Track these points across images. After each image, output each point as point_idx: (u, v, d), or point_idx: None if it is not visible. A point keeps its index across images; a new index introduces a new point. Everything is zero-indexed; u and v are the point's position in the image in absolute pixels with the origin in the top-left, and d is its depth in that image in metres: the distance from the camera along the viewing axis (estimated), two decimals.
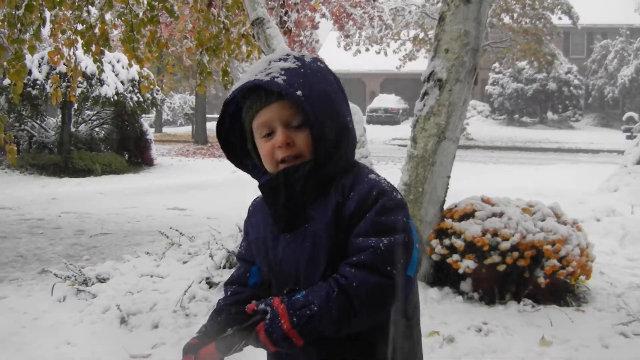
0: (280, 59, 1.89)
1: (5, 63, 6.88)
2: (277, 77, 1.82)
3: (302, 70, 1.86)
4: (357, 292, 1.74)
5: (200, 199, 13.93)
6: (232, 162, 2.06)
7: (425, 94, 5.59)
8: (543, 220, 5.66)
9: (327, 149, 1.85)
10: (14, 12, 6.71)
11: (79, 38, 8.06)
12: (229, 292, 2.10)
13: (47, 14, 7.70)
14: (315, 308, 1.75)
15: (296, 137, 1.87)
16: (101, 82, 17.78)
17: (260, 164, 1.98)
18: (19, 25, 6.78)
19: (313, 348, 1.85)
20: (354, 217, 1.82)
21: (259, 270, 2.07)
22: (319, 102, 1.84)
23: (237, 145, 2.03)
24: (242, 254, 2.15)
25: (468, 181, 12.47)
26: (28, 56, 8.55)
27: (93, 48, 7.99)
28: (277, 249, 1.95)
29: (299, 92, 1.81)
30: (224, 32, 8.27)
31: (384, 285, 1.75)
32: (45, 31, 8.35)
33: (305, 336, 1.76)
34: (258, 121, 1.91)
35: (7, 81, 14.00)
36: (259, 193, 2.02)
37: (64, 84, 15.78)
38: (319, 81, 1.88)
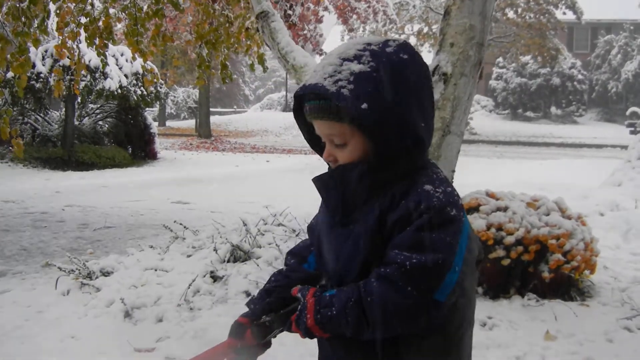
0: (354, 58, 1.78)
1: (9, 56, 6.87)
2: (344, 88, 1.72)
3: (374, 74, 1.74)
4: (371, 306, 1.71)
5: (203, 193, 13.92)
6: (307, 141, 2.01)
7: None
8: (547, 214, 5.65)
9: (389, 157, 1.78)
10: (18, 5, 6.70)
11: (82, 31, 8.05)
12: (283, 269, 2.08)
13: (52, 6, 7.70)
14: (335, 312, 1.74)
15: (338, 153, 1.85)
16: (105, 76, 17.78)
17: None
18: (23, 18, 6.78)
19: (340, 346, 1.88)
20: (396, 227, 1.75)
21: None
22: (386, 114, 1.74)
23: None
24: (313, 225, 2.10)
25: (472, 176, 12.46)
26: (32, 49, 8.55)
27: (97, 41, 7.98)
28: (326, 242, 1.94)
29: (364, 106, 1.71)
30: (227, 25, 8.26)
31: (400, 305, 1.70)
32: (50, 24, 8.35)
33: (328, 332, 1.78)
34: (315, 127, 1.89)
35: (10, 74, 14.07)
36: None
37: (68, 77, 15.79)
38: (394, 87, 1.76)
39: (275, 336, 1.87)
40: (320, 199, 2.05)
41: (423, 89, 1.83)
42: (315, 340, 1.93)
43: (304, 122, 1.94)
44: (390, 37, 1.84)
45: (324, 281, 1.92)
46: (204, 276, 5.80)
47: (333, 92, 1.73)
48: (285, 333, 1.91)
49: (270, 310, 1.92)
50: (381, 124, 1.73)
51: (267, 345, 1.94)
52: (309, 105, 1.83)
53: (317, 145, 1.98)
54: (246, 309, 2.04)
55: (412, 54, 1.82)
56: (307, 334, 1.79)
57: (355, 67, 1.75)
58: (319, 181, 1.91)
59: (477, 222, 5.39)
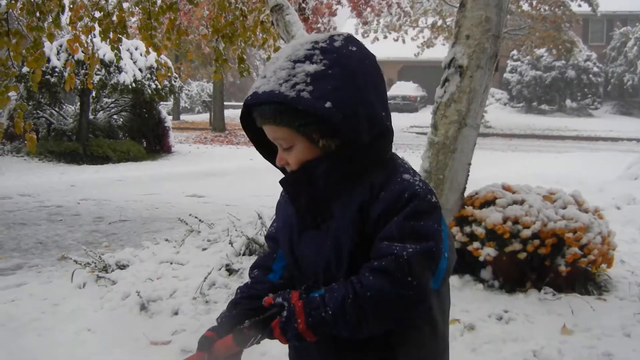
0: (305, 58, 1.74)
1: (23, 51, 6.88)
2: (303, 91, 1.69)
3: (330, 71, 1.72)
4: (371, 301, 1.68)
5: (218, 186, 13.95)
6: (257, 148, 1.98)
7: (446, 80, 5.54)
8: (564, 208, 5.62)
9: (356, 150, 1.75)
10: (32, 0, 6.71)
11: (96, 25, 8.06)
12: (249, 282, 2.05)
13: (66, 1, 7.70)
14: (330, 312, 1.70)
15: (289, 157, 1.82)
16: (119, 70, 17.84)
17: None
18: (37, 13, 6.79)
19: (329, 349, 1.85)
20: (381, 219, 1.73)
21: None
22: (351, 108, 1.72)
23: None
24: (273, 233, 2.07)
25: (487, 169, 12.42)
26: (47, 44, 8.57)
27: (111, 35, 7.99)
28: (300, 245, 1.90)
29: (328, 104, 1.69)
30: (241, 18, 8.24)
31: (401, 297, 1.68)
32: (64, 18, 8.36)
33: (319, 336, 1.74)
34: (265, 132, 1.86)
35: (25, 69, 14.11)
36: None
37: (82, 71, 15.84)
38: (353, 80, 1.74)
39: (258, 342, 1.84)
40: (275, 206, 2.05)
41: (376, 78, 1.82)
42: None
43: (250, 129, 1.93)
44: (334, 32, 1.82)
45: (309, 283, 1.86)
46: (220, 269, 5.81)
47: (293, 97, 1.70)
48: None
49: (236, 324, 1.88)
50: (350, 118, 1.71)
51: (237, 356, 1.91)
52: (257, 111, 1.81)
53: (269, 152, 1.95)
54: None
55: (360, 46, 1.81)
56: (297, 339, 1.74)
57: (309, 67, 1.72)
58: (286, 183, 1.88)
59: (493, 215, 5.37)
